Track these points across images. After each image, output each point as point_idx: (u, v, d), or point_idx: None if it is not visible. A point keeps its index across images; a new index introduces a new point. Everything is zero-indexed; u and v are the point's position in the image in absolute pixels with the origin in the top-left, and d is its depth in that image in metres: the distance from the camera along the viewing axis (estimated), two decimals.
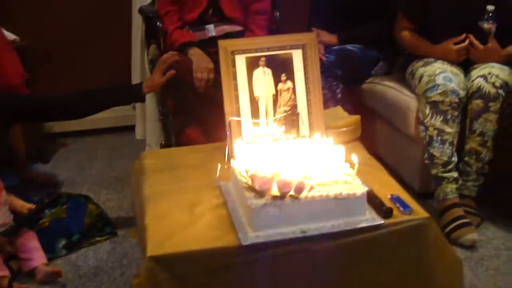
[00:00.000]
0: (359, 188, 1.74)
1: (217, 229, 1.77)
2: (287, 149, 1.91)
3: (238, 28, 3.09)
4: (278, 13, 3.27)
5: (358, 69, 3.26)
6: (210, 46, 2.88)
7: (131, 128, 3.85)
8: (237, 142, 1.99)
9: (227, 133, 2.19)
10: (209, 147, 2.43)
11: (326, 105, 3.01)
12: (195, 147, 2.52)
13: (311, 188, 1.71)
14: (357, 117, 2.38)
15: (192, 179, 2.11)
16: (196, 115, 2.89)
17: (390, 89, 3.05)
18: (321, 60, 3.02)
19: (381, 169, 2.15)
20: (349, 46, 3.24)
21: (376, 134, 3.28)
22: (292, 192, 1.69)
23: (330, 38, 3.28)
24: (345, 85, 3.16)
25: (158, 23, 3.08)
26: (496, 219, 2.73)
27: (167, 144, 3.05)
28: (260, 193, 1.70)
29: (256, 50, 2.20)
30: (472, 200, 2.72)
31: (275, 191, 1.69)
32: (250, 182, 1.74)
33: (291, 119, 2.21)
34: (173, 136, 2.96)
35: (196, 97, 2.86)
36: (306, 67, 2.21)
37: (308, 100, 2.22)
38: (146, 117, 3.51)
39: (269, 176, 1.71)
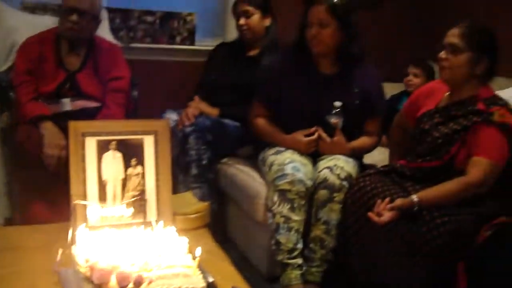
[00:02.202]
0: (199, 282, 1.75)
1: None
2: (131, 237, 1.90)
3: (94, 104, 3.07)
4: (136, 93, 3.29)
5: (227, 144, 3.32)
6: (64, 121, 2.82)
7: None
8: (80, 228, 1.95)
9: (72, 216, 2.14)
10: (54, 227, 2.34)
11: (189, 167, 3.11)
12: (39, 227, 2.43)
13: (150, 281, 1.70)
14: (205, 204, 2.41)
15: (31, 263, 2.02)
16: (44, 192, 2.80)
17: (241, 173, 3.13)
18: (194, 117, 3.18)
19: (225, 260, 2.17)
20: (226, 120, 3.32)
21: (228, 215, 3.33)
22: (131, 286, 1.67)
23: (211, 110, 3.37)
24: (213, 153, 3.20)
25: (11, 93, 2.99)
26: None
27: (11, 220, 2.93)
28: (98, 286, 1.67)
29: (107, 134, 2.19)
30: (316, 285, 2.78)
31: (113, 284, 1.66)
32: (88, 273, 1.70)
33: (139, 204, 2.20)
34: (19, 212, 2.85)
35: (46, 173, 2.78)
36: (157, 153, 2.23)
37: (157, 186, 2.22)
38: None
39: (108, 268, 1.68)
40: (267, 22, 3.51)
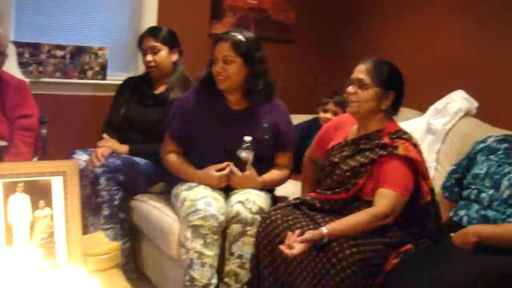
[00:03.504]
0: None
1: None
2: (40, 281, 1.86)
3: (2, 143, 2.99)
4: (45, 131, 3.23)
5: (139, 183, 3.28)
6: None
7: None
8: None
9: None
10: None
11: (100, 208, 3.06)
12: None
13: None
14: (116, 244, 2.38)
15: None
16: None
17: (154, 209, 3.12)
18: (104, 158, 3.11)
19: None
20: (137, 159, 3.28)
21: (143, 252, 3.29)
22: None
23: (120, 147, 3.31)
24: (125, 192, 3.16)
25: None
26: None
27: None
28: None
29: (13, 175, 2.13)
30: None
31: None
32: None
33: (48, 247, 2.15)
34: None
35: None
36: (65, 194, 2.18)
37: (67, 228, 2.18)
38: None
39: None
40: (174, 57, 3.50)
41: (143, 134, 3.36)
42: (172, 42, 3.49)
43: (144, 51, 3.48)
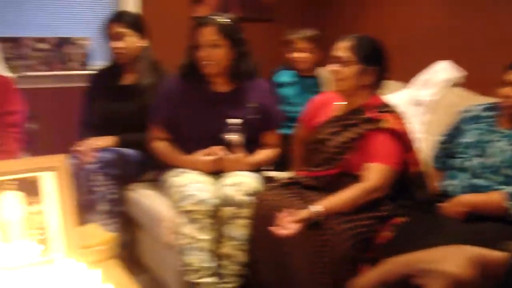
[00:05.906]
0: None
1: None
2: (36, 277, 1.87)
3: None
4: (34, 126, 3.20)
5: (132, 173, 3.27)
6: None
7: None
8: None
9: None
10: None
11: (99, 205, 3.04)
12: None
13: None
14: (112, 235, 2.39)
15: None
16: None
17: (146, 197, 3.13)
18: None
19: None
20: (125, 150, 3.23)
21: (141, 241, 3.31)
22: None
23: (105, 141, 3.20)
24: (120, 185, 3.16)
25: None
26: None
27: None
28: None
29: (3, 173, 2.13)
30: None
31: None
32: None
33: (43, 243, 2.16)
34: None
35: None
36: (57, 189, 2.18)
37: (61, 223, 2.17)
38: None
39: None
40: (141, 43, 3.35)
41: (122, 129, 3.26)
42: (137, 27, 3.34)
43: (110, 37, 3.32)
